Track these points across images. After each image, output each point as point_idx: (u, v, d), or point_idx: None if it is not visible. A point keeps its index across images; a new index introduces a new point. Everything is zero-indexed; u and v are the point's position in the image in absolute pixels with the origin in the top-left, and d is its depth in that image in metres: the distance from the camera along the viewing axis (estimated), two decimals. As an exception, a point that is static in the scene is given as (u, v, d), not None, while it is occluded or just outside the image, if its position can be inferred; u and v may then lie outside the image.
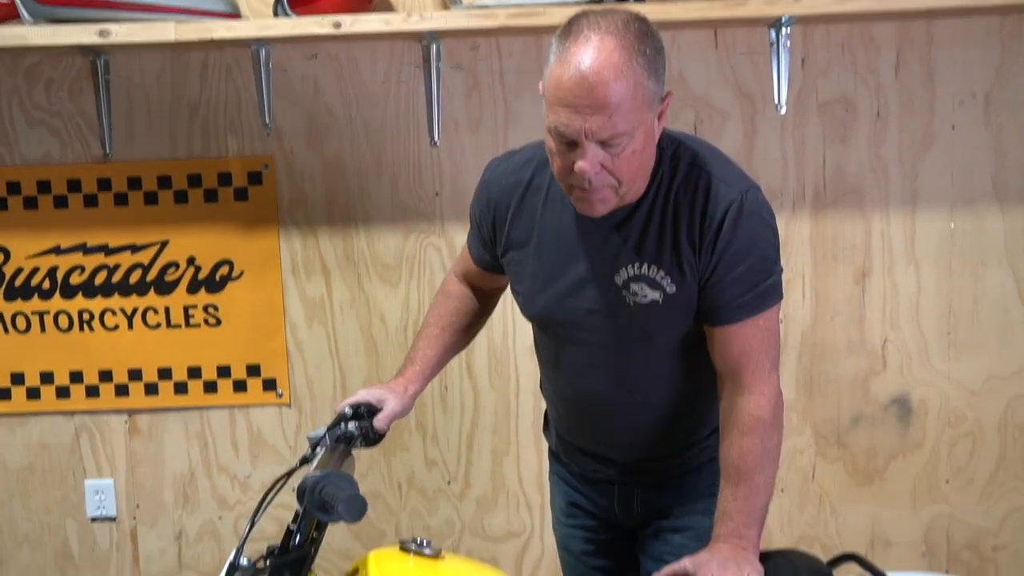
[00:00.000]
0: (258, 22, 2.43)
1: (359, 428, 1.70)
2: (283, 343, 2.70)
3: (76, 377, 2.73)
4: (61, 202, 2.66)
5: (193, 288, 2.68)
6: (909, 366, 2.66)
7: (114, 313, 2.70)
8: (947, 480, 2.70)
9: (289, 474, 1.59)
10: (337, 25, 2.28)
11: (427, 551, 1.57)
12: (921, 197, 2.60)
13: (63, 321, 2.70)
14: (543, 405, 1.95)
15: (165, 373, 2.72)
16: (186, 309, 2.69)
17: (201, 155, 2.64)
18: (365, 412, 1.72)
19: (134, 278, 2.68)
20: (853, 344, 2.66)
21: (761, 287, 1.57)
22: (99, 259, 2.68)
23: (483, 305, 1.95)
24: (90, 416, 2.76)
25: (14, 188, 2.65)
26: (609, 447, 1.80)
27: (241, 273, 2.68)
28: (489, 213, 1.74)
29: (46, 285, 2.69)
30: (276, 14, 2.39)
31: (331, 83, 2.60)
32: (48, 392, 2.74)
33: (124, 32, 2.29)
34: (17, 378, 2.73)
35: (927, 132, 2.57)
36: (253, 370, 2.71)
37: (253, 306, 2.69)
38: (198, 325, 2.70)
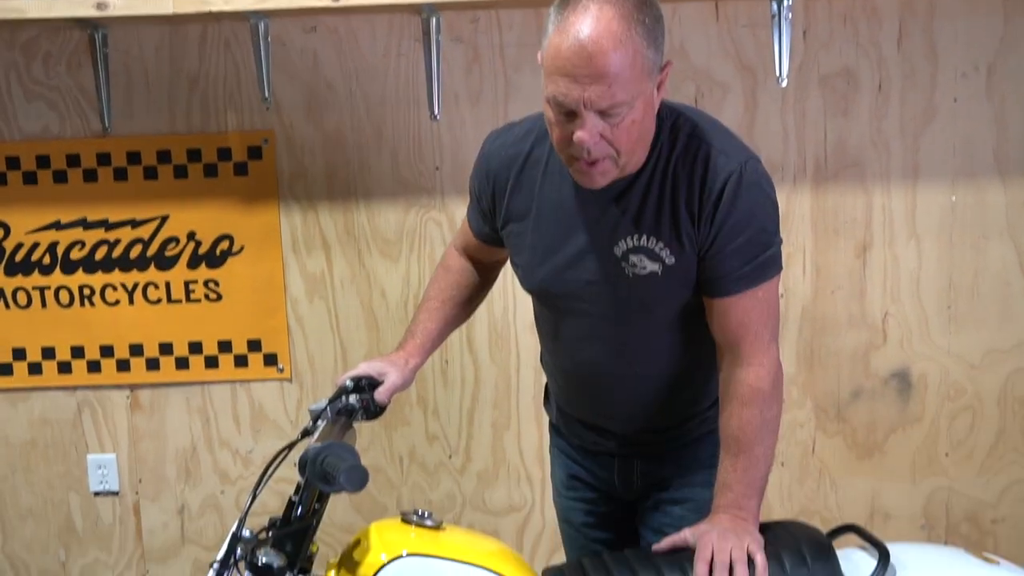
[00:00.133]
0: (256, -6, 2.42)
1: (360, 400, 1.69)
2: (284, 318, 2.71)
3: (77, 352, 2.73)
4: (60, 177, 2.65)
5: (193, 263, 2.68)
6: (909, 340, 2.66)
7: (115, 288, 2.70)
8: (947, 453, 2.71)
9: (291, 446, 1.59)
10: (336, -3, 2.27)
11: (428, 523, 1.57)
12: (922, 170, 2.59)
13: (64, 296, 2.71)
14: (543, 379, 1.95)
15: (166, 348, 2.73)
16: (187, 284, 2.69)
17: (200, 130, 2.63)
18: (366, 385, 1.72)
19: (134, 253, 2.68)
20: (853, 318, 2.66)
21: (760, 258, 1.57)
22: (99, 234, 2.68)
23: (483, 278, 1.95)
24: (92, 391, 2.77)
25: (13, 163, 2.65)
26: (609, 419, 1.80)
27: (241, 248, 2.67)
28: (488, 185, 1.73)
29: (46, 260, 2.69)
30: (274, -13, 2.38)
31: (331, 56, 2.59)
32: (50, 367, 2.74)
33: (122, 4, 2.28)
34: (19, 353, 2.74)
35: (929, 105, 2.56)
36: (254, 345, 2.72)
37: (254, 281, 2.69)
38: (199, 300, 2.70)
